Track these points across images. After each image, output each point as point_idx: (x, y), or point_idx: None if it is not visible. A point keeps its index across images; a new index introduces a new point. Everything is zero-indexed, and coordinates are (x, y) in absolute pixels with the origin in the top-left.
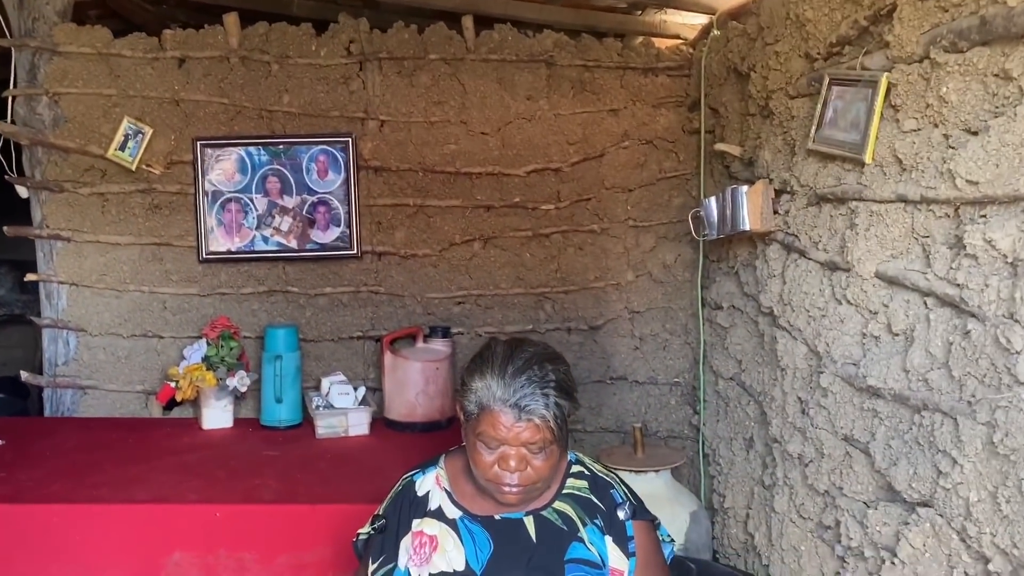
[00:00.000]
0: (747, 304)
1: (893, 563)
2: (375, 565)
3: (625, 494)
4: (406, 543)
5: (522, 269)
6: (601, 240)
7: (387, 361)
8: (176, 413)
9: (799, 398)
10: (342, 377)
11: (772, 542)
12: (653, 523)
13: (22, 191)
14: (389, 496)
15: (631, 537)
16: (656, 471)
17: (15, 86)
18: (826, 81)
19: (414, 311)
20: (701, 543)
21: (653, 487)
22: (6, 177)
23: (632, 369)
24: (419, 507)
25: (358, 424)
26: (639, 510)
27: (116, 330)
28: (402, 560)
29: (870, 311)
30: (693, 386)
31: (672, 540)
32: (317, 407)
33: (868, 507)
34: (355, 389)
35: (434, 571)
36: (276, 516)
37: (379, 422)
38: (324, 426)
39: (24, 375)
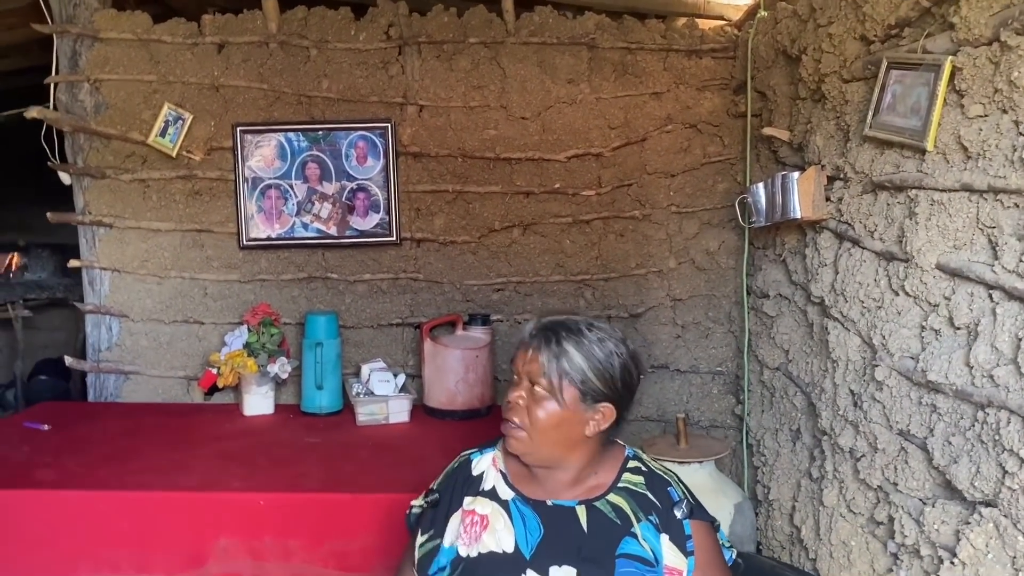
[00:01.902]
0: (795, 293)
1: (953, 563)
2: (423, 538)
3: (683, 493)
4: (455, 521)
5: (562, 256)
6: (643, 226)
7: (427, 349)
8: (217, 398)
9: (851, 391)
10: (382, 364)
11: (820, 536)
12: (712, 525)
13: (65, 178)
14: (444, 471)
15: (689, 536)
16: (700, 462)
17: (57, 73)
18: (884, 65)
19: (453, 298)
20: (745, 535)
21: (697, 478)
22: (49, 164)
23: (674, 357)
24: (472, 486)
25: (398, 411)
26: (697, 510)
27: (158, 316)
28: (448, 537)
29: (930, 303)
30: (736, 375)
31: (732, 546)
32: (357, 394)
33: (925, 504)
34: (395, 376)
35: (483, 550)
36: (320, 504)
37: (419, 409)
38: (364, 413)
39: (69, 360)
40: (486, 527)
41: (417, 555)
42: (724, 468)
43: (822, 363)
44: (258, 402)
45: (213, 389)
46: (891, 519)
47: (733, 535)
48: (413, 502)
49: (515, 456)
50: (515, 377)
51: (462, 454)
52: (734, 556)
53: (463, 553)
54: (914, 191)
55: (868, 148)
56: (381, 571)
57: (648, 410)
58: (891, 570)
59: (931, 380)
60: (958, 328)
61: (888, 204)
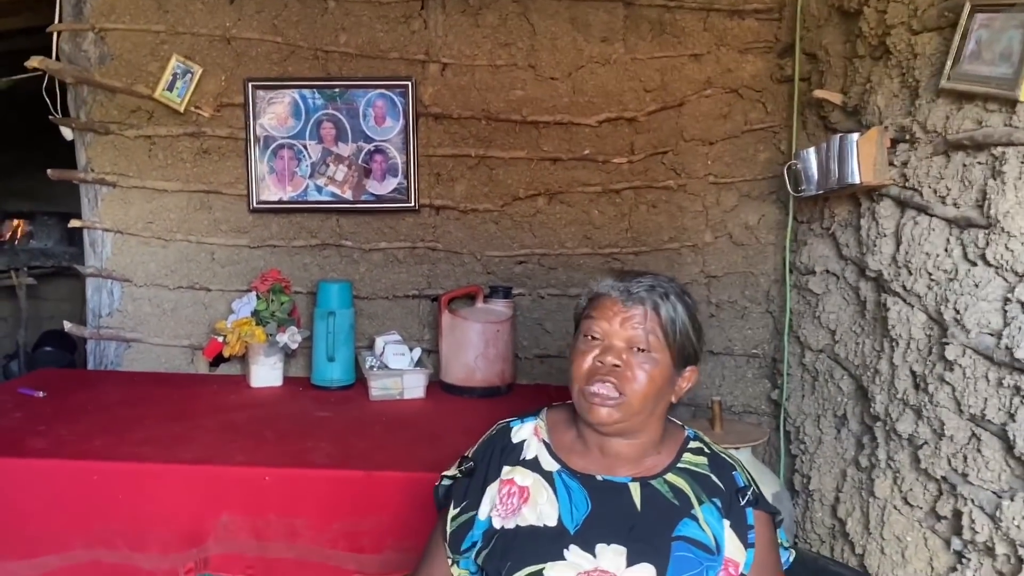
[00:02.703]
0: (845, 268)
1: None
2: (456, 510)
3: (748, 479)
4: (492, 492)
5: (590, 227)
6: (677, 197)
7: (445, 321)
8: (223, 370)
9: (913, 372)
10: (397, 337)
11: (869, 530)
12: (775, 518)
13: (67, 132)
14: (481, 439)
15: (751, 526)
16: (736, 448)
17: (60, 21)
18: (967, 8)
19: (473, 269)
20: (784, 527)
21: None
22: (50, 118)
23: (707, 338)
24: (512, 454)
25: (414, 387)
26: (762, 499)
27: (162, 281)
28: (484, 509)
29: (1017, 273)
30: (774, 358)
31: (791, 547)
32: (371, 367)
33: (1000, 498)
34: (410, 350)
35: (522, 523)
36: (329, 482)
37: (435, 385)
38: (378, 388)
39: (68, 326)
40: (526, 499)
41: (449, 529)
42: (758, 456)
43: (876, 343)
44: (266, 373)
45: (219, 359)
46: (957, 513)
47: None
48: (444, 473)
49: (560, 424)
50: (595, 336)
51: (500, 422)
52: (791, 559)
53: (498, 525)
54: (1000, 148)
55: (942, 104)
56: (393, 553)
57: None
58: (955, 569)
59: (1019, 358)
60: None
61: (965, 165)
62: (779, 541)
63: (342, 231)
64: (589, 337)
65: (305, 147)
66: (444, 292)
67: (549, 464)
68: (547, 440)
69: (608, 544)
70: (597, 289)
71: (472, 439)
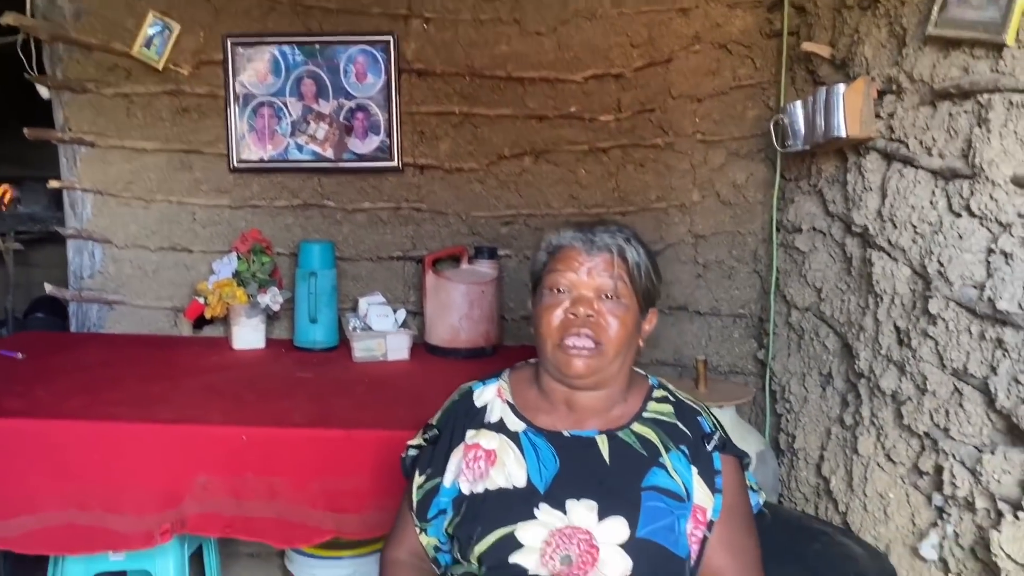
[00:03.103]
0: (832, 225)
1: (1017, 517)
2: (421, 478)
3: (714, 424)
4: (457, 457)
5: (576, 187)
6: (665, 156)
7: (429, 282)
8: (207, 332)
9: (897, 327)
10: (381, 298)
11: (852, 488)
12: (742, 462)
13: (43, 91)
14: (443, 405)
15: (718, 471)
16: (720, 407)
17: None
18: None
19: (458, 230)
20: (768, 486)
21: None
22: (26, 76)
23: (694, 299)
24: (476, 418)
25: (397, 348)
26: (728, 443)
27: (143, 242)
28: (449, 476)
29: (1001, 223)
30: (760, 318)
31: (760, 489)
32: (354, 328)
33: (981, 452)
34: (394, 311)
35: (491, 487)
36: (308, 441)
37: (419, 347)
38: (361, 349)
39: (48, 288)
40: (493, 462)
41: (415, 498)
42: (743, 415)
43: (861, 299)
44: (248, 335)
45: (201, 321)
46: (939, 468)
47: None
48: (409, 442)
49: (524, 383)
50: (561, 288)
51: (462, 386)
52: (761, 503)
53: (466, 490)
54: (987, 95)
55: (929, 52)
56: (374, 512)
57: (664, 353)
58: (936, 524)
59: (1001, 310)
60: None
61: (951, 114)
62: (748, 484)
63: (324, 191)
64: (555, 290)
65: (285, 105)
66: (428, 253)
67: (514, 424)
68: (511, 400)
69: (579, 500)
70: (557, 241)
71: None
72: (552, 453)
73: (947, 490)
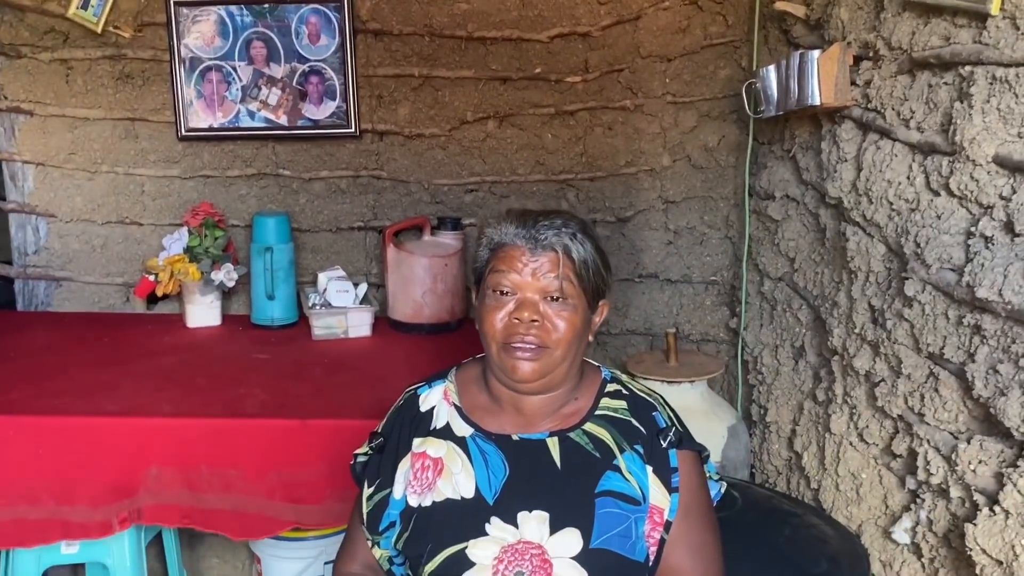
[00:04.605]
0: (805, 194)
1: (993, 511)
2: (371, 489)
3: (669, 418)
4: (404, 467)
5: (543, 152)
6: (634, 119)
7: (390, 256)
8: (160, 308)
9: (871, 306)
10: (341, 272)
11: (825, 466)
12: (701, 455)
13: None
14: (389, 411)
15: (675, 469)
16: (691, 382)
17: None
18: None
19: (420, 198)
20: (740, 460)
21: (688, 399)
22: None
23: (664, 266)
24: (421, 425)
25: (359, 325)
26: (685, 438)
27: (90, 216)
28: (398, 488)
29: (981, 205)
30: (732, 285)
31: (720, 478)
32: (313, 305)
33: (957, 439)
34: (355, 286)
35: (438, 499)
36: (262, 431)
37: (382, 322)
38: (321, 327)
39: None
40: (440, 471)
41: (365, 510)
42: (715, 386)
43: (835, 274)
44: (202, 313)
45: (153, 298)
46: (912, 452)
47: (727, 460)
48: (357, 451)
49: (471, 382)
50: (504, 289)
51: (407, 389)
52: (721, 490)
53: (414, 503)
54: (968, 67)
55: (908, 18)
56: (334, 502)
57: (635, 323)
58: (910, 508)
59: (981, 297)
60: (1018, 235)
61: (931, 85)
62: (708, 475)
63: (279, 159)
64: (498, 292)
65: (235, 69)
66: (390, 224)
67: (461, 429)
68: (457, 403)
69: (530, 511)
70: (499, 238)
71: (417, 376)
72: (501, 458)
73: (921, 475)
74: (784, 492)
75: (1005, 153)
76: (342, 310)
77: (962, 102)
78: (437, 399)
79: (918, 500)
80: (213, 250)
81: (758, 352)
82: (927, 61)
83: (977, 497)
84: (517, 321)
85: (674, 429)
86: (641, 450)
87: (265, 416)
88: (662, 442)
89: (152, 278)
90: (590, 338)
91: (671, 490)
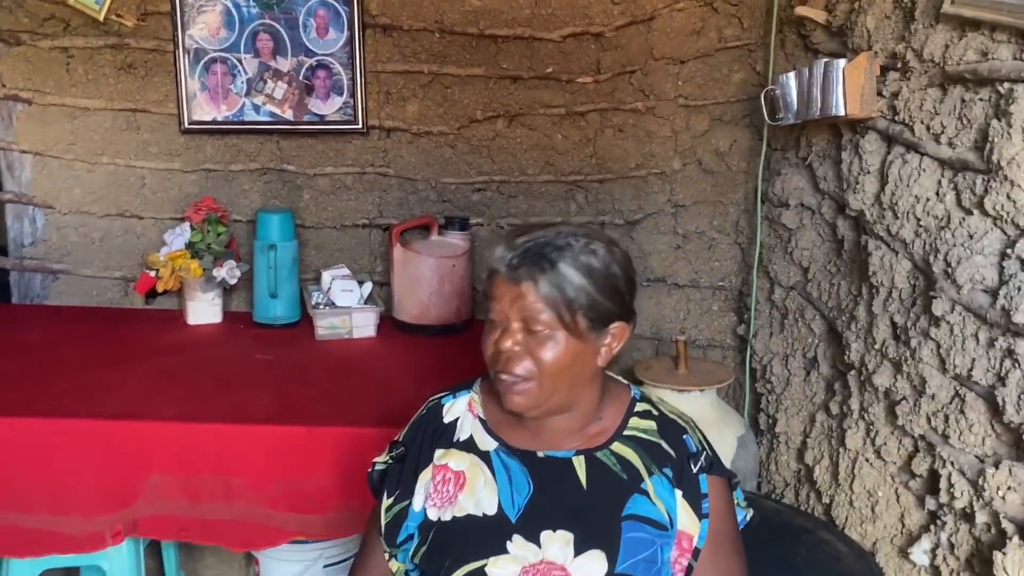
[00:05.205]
0: (822, 203)
1: (1023, 541)
2: (390, 500)
3: (700, 442)
4: (425, 479)
5: (552, 153)
6: (645, 121)
7: (397, 256)
8: (160, 304)
9: (894, 322)
10: (345, 271)
11: (838, 481)
12: (730, 481)
13: None
14: (411, 420)
15: (705, 495)
16: (702, 390)
17: None
18: None
19: (427, 197)
20: (748, 471)
21: (698, 407)
22: None
23: (673, 270)
24: (444, 436)
25: (363, 325)
26: (716, 463)
27: (89, 208)
28: (418, 499)
29: (1018, 226)
30: (740, 291)
31: (748, 506)
32: (317, 305)
33: (983, 463)
34: (360, 285)
35: (459, 514)
36: (267, 438)
37: (387, 322)
38: (325, 327)
39: None
40: (462, 486)
41: (384, 521)
42: (721, 393)
43: (853, 286)
44: (203, 310)
45: (153, 293)
46: (933, 473)
47: (735, 470)
48: (376, 459)
49: (501, 402)
50: (493, 318)
51: (431, 399)
52: (748, 518)
53: (433, 517)
54: (1007, 85)
55: (942, 30)
56: (338, 514)
57: (641, 327)
58: (930, 528)
59: (1016, 322)
60: None
61: (964, 101)
62: (736, 502)
63: (283, 155)
64: (490, 319)
65: (240, 61)
66: (396, 222)
67: (486, 443)
68: (482, 416)
69: (554, 531)
70: (489, 263)
71: (424, 383)
72: (526, 475)
73: (943, 498)
74: (792, 505)
75: None
76: (346, 310)
77: (1000, 120)
78: (461, 410)
79: (938, 522)
80: (215, 246)
81: (767, 360)
82: (962, 76)
83: (1006, 525)
84: (500, 351)
85: (705, 454)
86: (670, 474)
87: (271, 422)
88: (692, 467)
89: (153, 274)
90: (600, 363)
91: (701, 516)
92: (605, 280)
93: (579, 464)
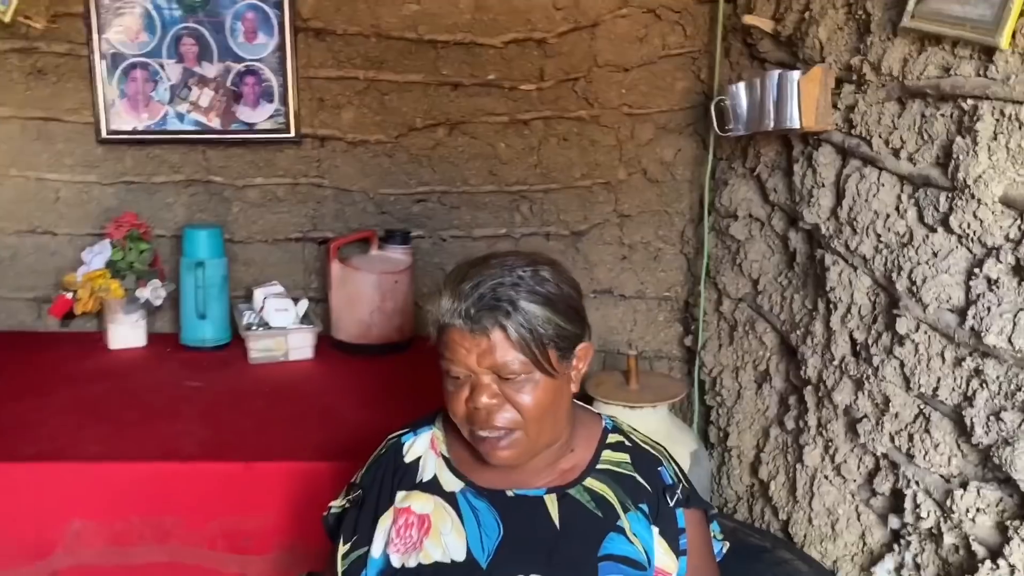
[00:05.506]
0: (772, 215)
1: (996, 565)
2: (346, 547)
3: (675, 474)
4: (386, 524)
5: (495, 162)
6: (589, 130)
7: (335, 272)
8: (77, 325)
9: (853, 338)
10: (279, 288)
11: (796, 498)
12: (707, 514)
13: None
14: (369, 461)
15: (682, 530)
16: (654, 406)
17: None
18: None
19: (365, 209)
20: (702, 487)
21: (650, 424)
22: None
23: (619, 282)
24: (407, 477)
25: (300, 347)
26: (693, 496)
27: None
28: (377, 546)
29: (984, 245)
30: (687, 302)
31: (723, 538)
32: (249, 326)
33: (949, 483)
34: (295, 303)
35: (425, 561)
36: (202, 475)
37: (324, 342)
38: (259, 349)
39: None
40: (427, 530)
41: (340, 568)
42: (673, 407)
43: (808, 300)
44: (126, 333)
45: (70, 315)
46: (898, 493)
47: None
48: (332, 503)
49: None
50: (456, 375)
51: (390, 437)
52: (723, 550)
53: (396, 564)
54: (971, 101)
55: (900, 44)
56: (282, 553)
57: None
58: (894, 548)
59: (988, 344)
60: None
61: (925, 116)
62: (713, 534)
63: (210, 165)
64: (451, 376)
65: (162, 67)
66: (332, 235)
67: (451, 483)
68: (446, 454)
69: (527, 575)
70: (439, 317)
71: (370, 407)
72: (495, 517)
73: (908, 517)
74: (745, 521)
75: (1015, 194)
76: (282, 331)
77: (964, 137)
78: (423, 448)
79: (902, 541)
80: (138, 265)
81: (717, 373)
82: (922, 91)
83: (977, 548)
84: (477, 410)
85: (681, 486)
86: (647, 509)
87: (205, 458)
88: (669, 500)
89: (69, 295)
90: (574, 390)
91: (679, 553)
92: (565, 304)
93: (551, 503)
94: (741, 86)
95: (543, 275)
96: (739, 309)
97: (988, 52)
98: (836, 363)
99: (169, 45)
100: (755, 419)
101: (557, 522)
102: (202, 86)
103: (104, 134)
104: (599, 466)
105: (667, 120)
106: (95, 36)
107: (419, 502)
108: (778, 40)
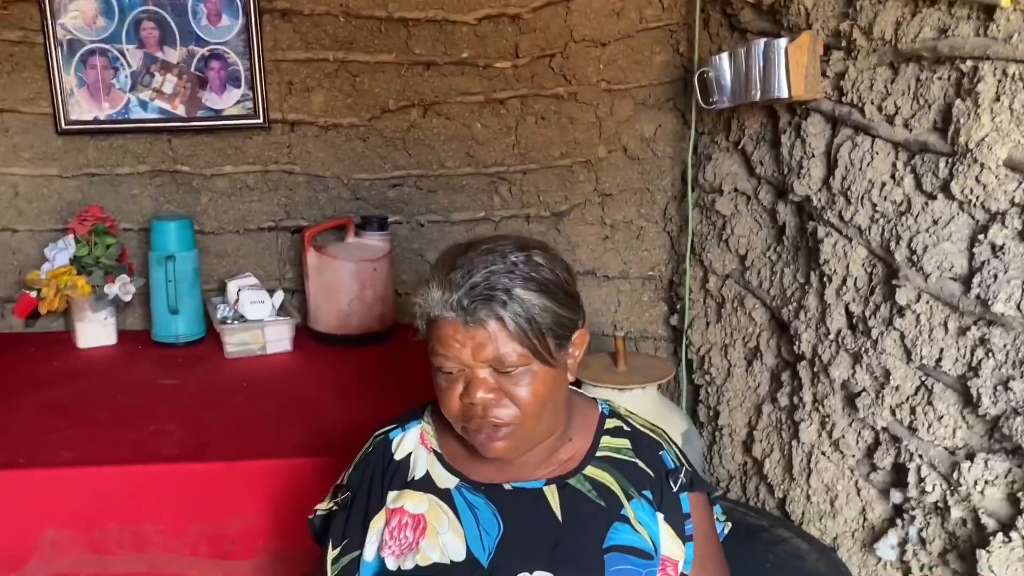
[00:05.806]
0: (759, 188)
1: (1009, 537)
2: (336, 551)
3: (677, 457)
4: (377, 525)
5: (472, 144)
6: (568, 107)
7: (311, 261)
8: (42, 324)
9: (849, 312)
10: (253, 280)
11: (793, 475)
12: (710, 496)
13: None
14: (356, 459)
15: (687, 515)
16: (643, 387)
17: None
18: None
19: (339, 196)
20: (695, 467)
21: (639, 405)
22: None
23: (602, 262)
24: (397, 475)
25: (278, 339)
26: (696, 479)
27: None
28: (370, 548)
29: (988, 211)
30: (671, 280)
31: (725, 519)
32: (224, 319)
33: (954, 455)
34: (271, 294)
35: (423, 563)
36: (181, 477)
37: (303, 332)
38: (235, 343)
39: None
40: (423, 531)
41: (331, 574)
42: (662, 388)
43: (799, 274)
44: (95, 331)
45: (35, 315)
46: (899, 466)
47: None
48: (318, 506)
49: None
50: (448, 370)
51: (377, 433)
52: (725, 531)
53: (392, 566)
54: (971, 62)
55: (892, 7)
56: (267, 556)
57: None
58: (897, 522)
59: (996, 312)
60: None
61: (920, 80)
62: (715, 517)
63: (176, 155)
64: (443, 372)
65: (122, 53)
66: (307, 223)
67: (444, 480)
68: (437, 449)
69: (531, 572)
70: (429, 310)
71: (352, 399)
72: (493, 512)
73: (911, 491)
74: (741, 501)
75: (1020, 156)
76: (258, 324)
77: (964, 100)
78: (413, 444)
79: (905, 515)
80: (105, 260)
81: (705, 351)
82: (917, 54)
83: (986, 520)
84: (472, 405)
85: (684, 470)
86: (650, 496)
87: (184, 459)
88: (672, 485)
89: (33, 294)
90: (572, 378)
91: (685, 539)
92: (561, 290)
93: (551, 494)
94: (724, 57)
95: (536, 260)
96: (726, 286)
97: (988, 11)
98: (832, 337)
99: (128, 30)
100: (746, 397)
101: (559, 514)
102: (165, 72)
103: (63, 125)
104: (599, 453)
105: (646, 95)
106: (50, 22)
107: (412, 501)
108: (760, 9)
